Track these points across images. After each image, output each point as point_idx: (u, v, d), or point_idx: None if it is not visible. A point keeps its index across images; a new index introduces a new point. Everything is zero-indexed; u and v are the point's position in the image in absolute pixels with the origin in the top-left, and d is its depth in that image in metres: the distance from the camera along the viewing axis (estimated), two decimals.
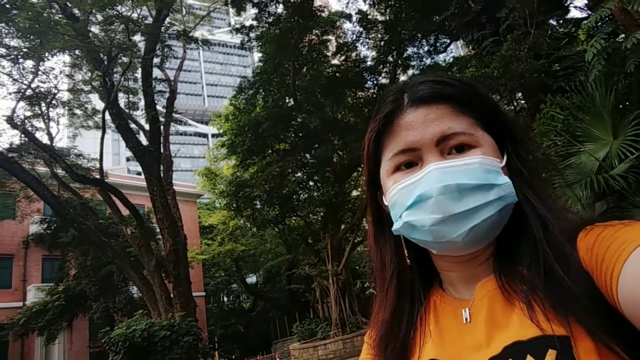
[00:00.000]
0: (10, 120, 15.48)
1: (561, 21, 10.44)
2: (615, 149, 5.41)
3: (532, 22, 9.13)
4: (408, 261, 0.80)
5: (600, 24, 6.92)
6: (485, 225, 0.65)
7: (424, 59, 18.62)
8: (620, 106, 5.80)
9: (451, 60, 18.63)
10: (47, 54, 15.38)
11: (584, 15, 10.18)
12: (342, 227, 20.37)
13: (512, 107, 11.31)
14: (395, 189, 0.71)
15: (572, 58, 8.62)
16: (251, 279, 34.22)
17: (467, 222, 0.65)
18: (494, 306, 0.68)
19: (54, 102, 17.44)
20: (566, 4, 10.46)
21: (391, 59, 18.47)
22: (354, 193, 21.84)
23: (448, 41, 17.49)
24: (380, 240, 0.82)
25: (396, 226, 0.72)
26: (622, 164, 5.26)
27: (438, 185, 0.65)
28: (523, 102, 10.70)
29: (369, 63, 19.47)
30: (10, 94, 16.03)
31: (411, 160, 0.71)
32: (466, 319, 0.71)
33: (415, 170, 0.70)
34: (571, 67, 8.59)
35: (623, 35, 5.74)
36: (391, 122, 0.73)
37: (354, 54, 19.45)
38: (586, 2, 9.45)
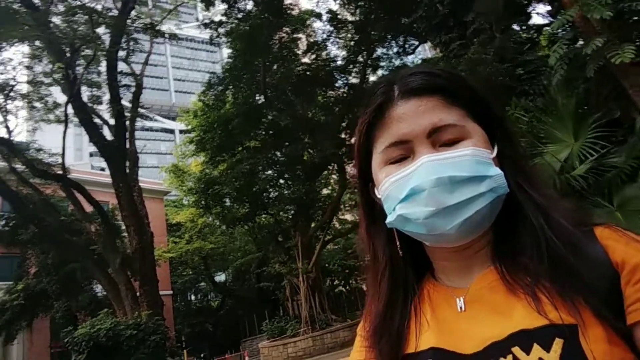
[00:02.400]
0: None
1: (524, 27, 10.81)
2: (576, 150, 5.67)
3: (497, 27, 9.44)
4: (401, 252, 0.79)
5: (561, 30, 7.22)
6: (477, 216, 0.65)
7: (393, 60, 18.85)
8: (580, 110, 6.08)
9: (419, 61, 18.95)
10: (4, 44, 14.73)
11: (545, 21, 10.58)
12: (313, 225, 20.42)
13: None
14: (388, 181, 0.71)
15: (535, 62, 8.95)
16: (220, 277, 33.81)
17: (460, 214, 0.65)
18: (496, 296, 0.68)
19: (11, 94, 16.72)
20: (529, 11, 10.84)
21: (361, 59, 18.63)
22: (325, 191, 21.94)
23: (417, 43, 17.76)
24: (373, 233, 0.82)
25: (390, 219, 0.72)
26: (582, 165, 5.52)
27: (431, 178, 0.65)
28: None
29: (339, 62, 19.56)
30: None
31: (402, 153, 0.71)
32: (461, 308, 0.72)
33: (407, 162, 0.70)
34: (534, 71, 8.91)
35: (582, 41, 6.00)
36: (382, 114, 0.72)
37: (324, 53, 19.49)
38: (548, 9, 9.84)
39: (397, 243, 0.79)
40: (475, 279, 0.72)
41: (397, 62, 19.38)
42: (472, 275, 0.73)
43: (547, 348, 0.59)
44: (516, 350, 0.61)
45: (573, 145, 5.72)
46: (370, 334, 0.80)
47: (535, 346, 0.60)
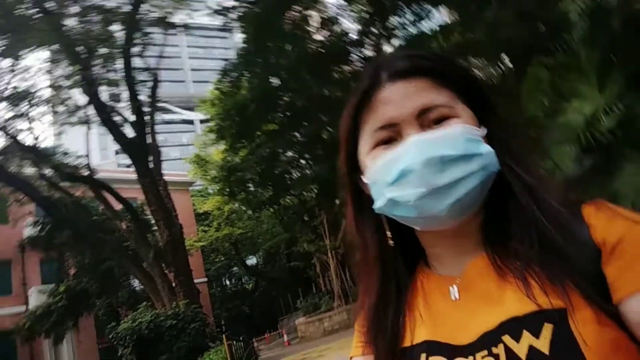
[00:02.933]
0: None
1: None
2: (602, 104, 5.48)
3: None
4: (391, 241, 0.76)
5: None
6: (469, 196, 0.64)
7: (409, 28, 18.39)
8: (605, 63, 5.84)
9: (437, 28, 18.43)
10: (23, 51, 15.02)
11: None
12: (337, 201, 20.48)
13: (499, 71, 11.33)
14: (376, 165, 0.69)
15: (557, 18, 8.59)
16: (251, 260, 34.45)
17: (451, 194, 0.63)
18: (487, 283, 0.67)
19: (34, 100, 17.12)
20: None
21: (375, 31, 18.25)
22: None
23: (432, 8, 17.27)
24: (361, 223, 0.80)
25: (378, 204, 0.70)
26: (609, 118, 5.34)
27: (421, 158, 0.63)
28: (510, 64, 10.70)
29: (353, 36, 19.22)
30: None
31: (391, 136, 0.68)
32: (455, 297, 0.70)
33: (396, 145, 0.68)
34: (556, 27, 8.55)
35: None
36: (369, 98, 0.71)
37: (337, 28, 19.16)
38: None
39: (387, 232, 0.76)
40: (467, 266, 0.71)
41: (413, 30, 18.90)
42: (464, 262, 0.71)
43: (537, 334, 0.58)
44: (506, 338, 0.61)
45: (598, 100, 5.52)
46: (366, 330, 0.79)
47: (525, 333, 0.59)
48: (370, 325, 0.77)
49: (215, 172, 22.72)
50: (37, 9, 14.23)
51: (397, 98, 0.68)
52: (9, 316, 21.43)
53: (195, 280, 18.48)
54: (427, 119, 0.67)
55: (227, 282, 35.21)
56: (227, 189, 20.36)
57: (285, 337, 20.24)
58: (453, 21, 14.56)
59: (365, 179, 0.73)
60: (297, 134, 19.84)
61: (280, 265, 30.16)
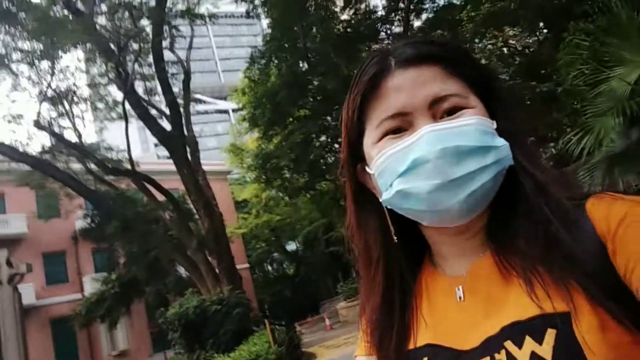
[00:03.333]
0: (37, 123, 15.94)
1: None
2: None
3: None
4: (395, 238, 0.73)
5: None
6: (482, 190, 0.61)
7: (437, 0, 17.78)
8: None
9: None
10: (59, 52, 15.58)
11: None
12: None
13: (535, 39, 10.75)
14: (385, 154, 0.65)
15: None
16: (291, 246, 34.96)
17: (465, 187, 0.60)
18: (491, 285, 0.65)
19: (75, 99, 17.79)
20: None
21: (402, 5, 17.74)
22: None
23: None
24: (363, 219, 0.77)
25: (386, 196, 0.66)
26: None
27: (436, 148, 0.60)
28: (545, 31, 10.12)
29: (380, 13, 18.76)
30: (32, 97, 16.45)
31: (400, 126, 0.65)
32: (460, 297, 0.68)
33: (406, 135, 0.64)
34: None
35: None
36: (377, 85, 0.67)
37: (363, 5, 18.74)
38: None
39: (391, 228, 0.72)
40: (472, 266, 0.68)
41: (441, 2, 18.26)
42: (470, 261, 0.69)
43: (540, 340, 0.56)
44: (509, 344, 0.59)
45: None
46: (371, 332, 0.76)
47: (528, 339, 0.57)
48: (374, 327, 0.75)
49: (251, 160, 23.00)
50: (69, 11, 14.66)
51: (408, 86, 0.65)
52: (67, 303, 22.83)
53: (238, 267, 18.92)
54: (439, 109, 0.64)
55: (269, 268, 35.95)
56: (264, 177, 20.60)
57: (327, 321, 20.51)
58: None
59: (370, 170, 0.69)
60: (329, 118, 19.71)
61: (320, 250, 30.45)
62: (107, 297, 20.54)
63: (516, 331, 0.59)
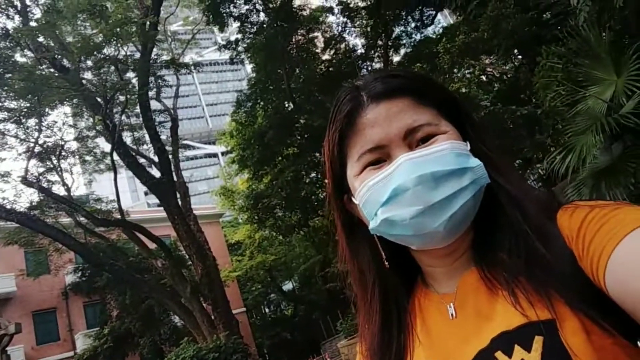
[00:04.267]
0: (25, 180, 15.84)
1: None
2: (621, 87, 5.25)
3: None
4: (387, 263, 0.76)
5: None
6: (463, 210, 0.64)
7: (414, 36, 18.43)
8: (619, 43, 5.64)
9: (440, 31, 18.37)
10: (47, 109, 15.71)
11: None
12: None
13: (511, 66, 11.12)
14: (366, 186, 0.68)
15: (561, 3, 8.42)
16: (287, 286, 34.37)
17: (446, 209, 0.63)
18: (478, 298, 0.67)
19: (63, 153, 17.78)
20: None
21: (381, 43, 18.34)
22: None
23: (433, 12, 17.26)
24: (354, 247, 0.79)
25: (373, 225, 0.69)
26: (630, 100, 5.11)
27: (413, 176, 0.63)
28: (520, 57, 10.49)
29: (359, 51, 19.35)
30: (20, 154, 16.42)
31: (379, 158, 0.68)
32: (452, 315, 0.70)
33: (384, 166, 0.67)
34: (561, 12, 8.38)
35: None
36: (353, 121, 0.70)
37: (343, 46, 19.37)
38: None
39: (382, 253, 0.76)
40: (459, 282, 0.71)
41: (418, 37, 18.93)
42: (459, 279, 0.72)
43: (528, 348, 0.58)
44: (499, 355, 0.60)
45: (616, 82, 5.29)
46: (369, 356, 0.78)
47: (517, 347, 0.59)
48: (375, 350, 0.77)
49: (242, 201, 22.94)
50: (55, 68, 14.89)
51: (382, 120, 0.68)
52: None
53: (234, 311, 18.51)
54: (414, 138, 0.67)
55: (266, 310, 35.16)
56: (256, 217, 20.51)
57: None
58: (456, 22, 14.47)
59: (355, 201, 0.72)
60: (317, 155, 19.89)
61: (317, 288, 29.94)
62: (100, 353, 19.92)
63: (505, 341, 0.60)
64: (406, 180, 0.63)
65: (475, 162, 0.66)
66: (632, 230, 0.54)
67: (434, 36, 18.49)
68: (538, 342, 0.57)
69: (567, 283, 0.58)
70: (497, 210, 0.68)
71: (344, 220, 0.79)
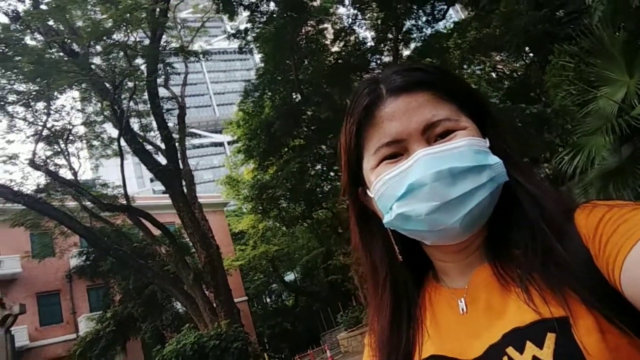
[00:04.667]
0: (32, 163, 15.93)
1: None
2: (633, 88, 5.21)
3: None
4: (400, 257, 0.76)
5: None
6: (479, 208, 0.63)
7: (424, 30, 18.25)
8: (633, 44, 5.56)
9: (451, 25, 18.20)
10: (55, 93, 15.75)
11: None
12: None
13: (522, 63, 11.00)
14: (382, 180, 0.68)
15: (575, 2, 8.30)
16: (289, 276, 34.55)
17: (463, 206, 0.62)
18: (490, 294, 0.67)
19: (70, 137, 17.86)
20: None
21: (391, 36, 18.20)
22: None
23: (445, 7, 17.09)
24: (368, 240, 0.80)
25: (387, 219, 0.69)
26: None
27: (431, 172, 0.63)
28: (532, 55, 10.38)
29: (369, 44, 19.22)
30: (28, 137, 16.51)
31: (396, 152, 0.68)
32: (462, 309, 0.70)
33: (401, 160, 0.67)
34: (575, 11, 8.26)
35: None
36: (371, 114, 0.70)
37: (352, 38, 19.21)
38: None
39: (395, 247, 0.75)
40: (471, 277, 0.71)
41: (428, 31, 18.77)
42: (472, 274, 0.71)
43: (540, 345, 0.57)
44: (510, 350, 0.60)
45: (629, 83, 5.24)
46: (379, 349, 0.78)
47: (529, 344, 0.58)
48: (384, 343, 0.77)
49: (247, 191, 23.00)
50: (64, 52, 14.91)
51: (401, 113, 0.67)
52: (61, 344, 22.30)
53: (236, 300, 18.63)
54: (432, 133, 0.67)
55: (268, 300, 35.38)
56: (260, 207, 20.57)
57: (328, 353, 20.06)
58: (467, 17, 14.32)
59: (371, 194, 0.72)
60: (323, 147, 19.88)
61: (319, 280, 30.12)
62: (103, 336, 20.14)
63: (517, 337, 0.60)
64: (423, 175, 0.63)
65: (494, 159, 0.65)
66: None
67: (445, 31, 18.33)
68: (550, 339, 0.57)
69: (583, 281, 0.58)
70: (514, 207, 0.67)
71: (358, 213, 0.79)
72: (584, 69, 5.93)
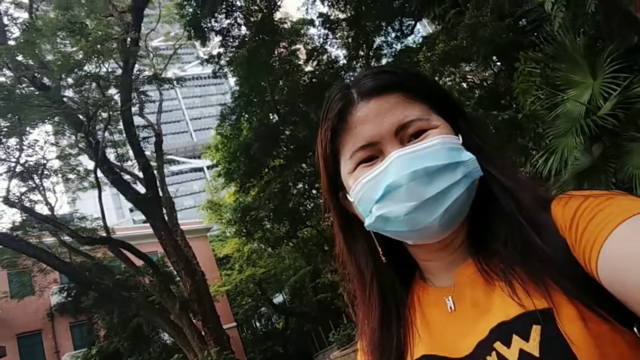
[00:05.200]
0: (6, 200, 15.53)
1: None
2: (598, 89, 5.40)
3: None
4: (384, 258, 0.76)
5: None
6: (456, 204, 0.64)
7: (394, 45, 18.67)
8: (594, 47, 5.80)
9: (420, 40, 18.65)
10: (27, 128, 15.48)
11: None
12: None
13: (491, 72, 11.33)
14: (360, 183, 0.68)
15: (536, 10, 8.63)
16: (278, 298, 34.07)
17: (440, 204, 0.63)
18: (476, 290, 0.67)
19: (45, 172, 17.50)
20: None
21: (362, 53, 18.53)
22: None
23: (413, 22, 17.54)
24: (351, 244, 0.80)
25: (368, 222, 0.70)
26: (607, 102, 5.26)
27: (406, 172, 0.64)
28: (499, 64, 10.71)
29: (341, 62, 19.51)
30: (1, 174, 16.12)
31: (371, 155, 0.69)
32: (450, 308, 0.71)
33: (377, 162, 0.68)
34: (537, 19, 8.59)
35: None
36: (344, 119, 0.71)
37: (325, 57, 19.48)
38: None
39: (379, 249, 0.76)
40: (456, 275, 0.71)
41: (398, 47, 19.18)
42: (457, 271, 0.72)
43: (526, 337, 0.58)
44: (498, 345, 0.61)
45: (593, 85, 5.44)
46: (370, 352, 0.78)
47: (515, 337, 0.59)
48: (376, 345, 0.77)
49: (230, 214, 22.77)
50: (35, 87, 14.72)
51: (373, 116, 0.68)
52: None
53: (225, 326, 18.28)
54: (405, 134, 0.68)
55: (257, 324, 34.75)
56: (244, 230, 20.36)
57: None
58: (435, 31, 14.73)
59: (350, 198, 0.73)
60: (304, 165, 19.91)
61: (308, 300, 29.74)
62: None
63: (503, 331, 0.61)
64: (399, 176, 0.64)
65: (467, 155, 0.66)
66: (624, 221, 0.54)
67: (414, 45, 18.75)
68: (536, 331, 0.58)
69: (562, 272, 0.59)
70: (491, 201, 0.68)
71: (340, 218, 0.80)
72: (550, 74, 6.14)
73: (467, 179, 0.65)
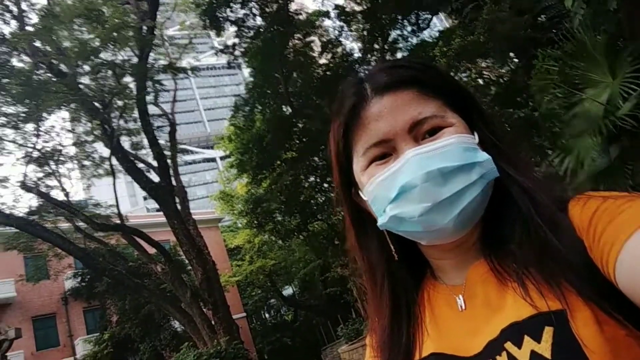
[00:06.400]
0: (23, 185, 15.82)
1: None
2: (617, 89, 5.27)
3: None
4: (396, 256, 0.76)
5: None
6: (472, 205, 0.63)
7: (410, 39, 18.46)
8: (615, 45, 5.65)
9: (437, 34, 18.41)
10: (44, 114, 15.70)
11: None
12: None
13: (508, 69, 11.15)
14: (374, 182, 0.67)
15: (555, 7, 8.45)
16: (287, 290, 34.27)
17: (455, 206, 0.62)
18: (488, 290, 0.66)
19: (61, 158, 17.77)
20: None
21: (377, 46, 18.36)
22: None
23: (429, 16, 17.31)
24: (363, 240, 0.79)
25: (381, 221, 0.69)
26: (627, 102, 5.13)
27: (421, 173, 0.62)
28: (516, 60, 10.53)
29: (356, 55, 19.37)
30: (18, 159, 16.40)
31: (385, 152, 0.67)
32: (461, 306, 0.70)
33: (391, 160, 0.67)
34: (556, 15, 8.41)
35: None
36: (357, 115, 0.69)
37: (340, 49, 19.36)
38: None
39: (392, 246, 0.75)
40: (468, 274, 0.70)
41: (414, 40, 18.97)
42: (468, 270, 0.71)
43: (538, 339, 0.57)
44: (509, 345, 0.60)
45: (612, 85, 5.31)
46: (380, 349, 0.77)
47: (527, 338, 0.58)
48: (385, 343, 0.77)
49: (241, 205, 22.92)
50: (52, 73, 14.90)
51: (387, 113, 0.67)
52: None
53: (234, 316, 18.47)
54: (420, 131, 0.66)
55: (266, 315, 35.02)
56: (255, 221, 20.50)
57: None
58: (452, 25, 14.52)
59: (363, 196, 0.72)
60: (316, 159, 19.90)
61: (317, 293, 29.89)
62: (101, 358, 19.83)
63: (515, 332, 0.60)
64: (414, 177, 0.63)
65: (483, 156, 0.65)
66: None
67: (431, 40, 18.54)
68: (548, 332, 0.57)
69: (578, 273, 0.58)
70: (507, 201, 0.67)
71: (352, 214, 0.79)
72: (568, 72, 6.00)
73: (483, 180, 0.64)
